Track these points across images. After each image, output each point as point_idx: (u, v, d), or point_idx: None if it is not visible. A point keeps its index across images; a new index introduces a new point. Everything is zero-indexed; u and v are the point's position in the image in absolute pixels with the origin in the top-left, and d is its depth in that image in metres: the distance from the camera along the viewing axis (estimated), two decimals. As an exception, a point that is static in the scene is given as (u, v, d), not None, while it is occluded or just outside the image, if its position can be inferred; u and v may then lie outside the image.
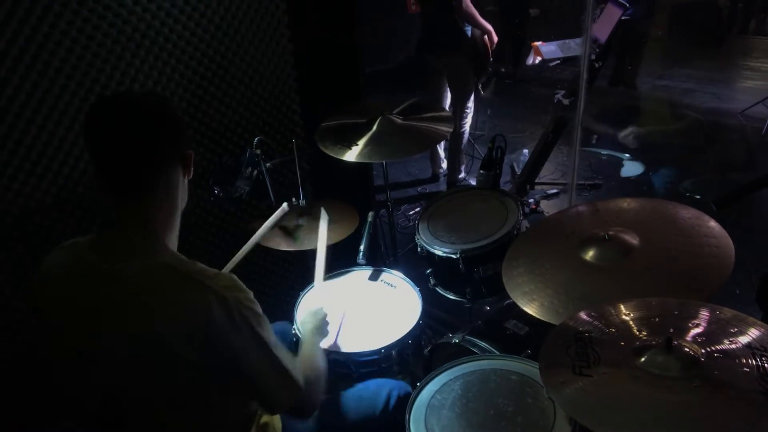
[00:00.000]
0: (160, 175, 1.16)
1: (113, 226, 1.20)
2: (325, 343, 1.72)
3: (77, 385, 1.25)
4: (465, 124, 4.09)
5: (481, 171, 2.20)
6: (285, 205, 1.96)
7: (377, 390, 1.65)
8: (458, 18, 3.67)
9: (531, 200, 3.86)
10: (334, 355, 1.73)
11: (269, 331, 1.17)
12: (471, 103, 4.04)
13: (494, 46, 3.78)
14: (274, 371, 1.18)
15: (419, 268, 2.22)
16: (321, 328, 1.63)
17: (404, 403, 1.50)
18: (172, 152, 1.18)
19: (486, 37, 3.74)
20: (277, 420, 1.47)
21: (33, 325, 1.93)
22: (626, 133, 4.67)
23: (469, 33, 3.77)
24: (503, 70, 6.15)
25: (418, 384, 1.55)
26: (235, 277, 1.16)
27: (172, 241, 1.22)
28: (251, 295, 1.16)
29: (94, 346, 1.15)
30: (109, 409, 1.19)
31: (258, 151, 2.05)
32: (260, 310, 1.16)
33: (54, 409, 1.84)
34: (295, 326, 1.85)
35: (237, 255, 1.80)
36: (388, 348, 1.76)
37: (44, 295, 1.22)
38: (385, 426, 1.58)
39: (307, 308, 1.73)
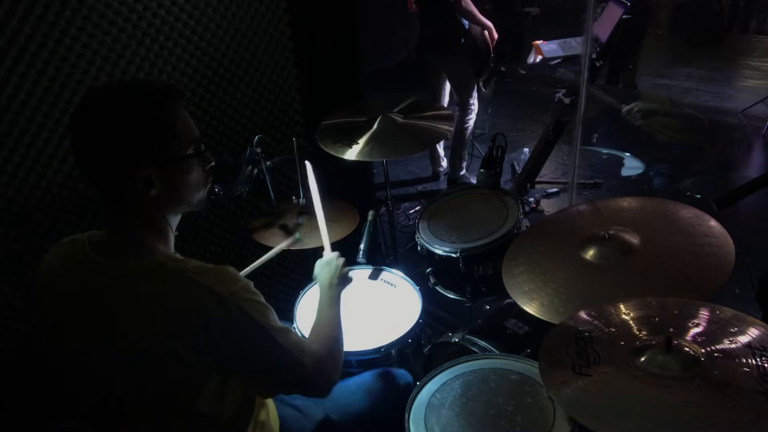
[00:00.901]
0: (139, 176, 1.09)
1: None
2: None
3: (77, 384, 1.25)
4: (469, 121, 4.08)
5: (482, 170, 2.20)
6: (297, 235, 1.92)
7: (377, 380, 1.64)
8: (458, 15, 3.66)
9: (531, 199, 3.86)
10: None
11: (271, 318, 1.15)
12: (474, 101, 4.03)
13: (495, 42, 3.77)
14: (278, 359, 1.17)
15: (419, 267, 2.22)
16: (339, 278, 1.56)
17: (405, 392, 1.49)
18: (156, 151, 1.10)
19: (486, 33, 3.73)
20: (274, 418, 1.47)
21: (33, 324, 1.93)
22: (630, 107, 4.64)
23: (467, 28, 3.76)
24: (503, 69, 6.15)
25: (417, 383, 1.55)
26: (230, 268, 1.14)
27: (166, 241, 1.20)
28: (250, 284, 1.14)
29: (94, 344, 1.15)
30: (109, 407, 1.19)
31: (258, 150, 2.05)
32: (260, 298, 1.15)
33: (54, 408, 1.84)
34: (294, 325, 1.85)
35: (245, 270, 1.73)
36: (388, 347, 1.76)
37: (45, 293, 1.22)
38: (385, 416, 1.57)
39: (320, 263, 1.63)
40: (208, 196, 1.25)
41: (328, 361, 1.30)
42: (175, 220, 1.24)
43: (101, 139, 1.08)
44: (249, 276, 1.64)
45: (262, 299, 1.16)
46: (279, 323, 1.18)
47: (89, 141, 1.09)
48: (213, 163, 1.24)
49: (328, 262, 1.61)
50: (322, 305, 1.50)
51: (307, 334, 1.55)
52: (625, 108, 4.64)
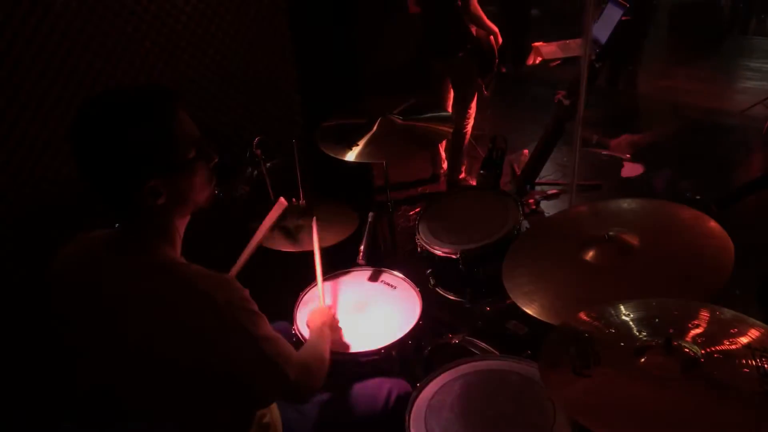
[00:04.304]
0: (146, 188, 1.09)
1: (113, 225, 1.20)
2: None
3: (79, 381, 1.25)
4: (467, 124, 4.08)
5: (482, 171, 2.21)
6: (281, 199, 1.93)
7: (376, 388, 1.65)
8: (465, 20, 3.66)
9: (531, 200, 3.85)
10: (334, 356, 1.72)
11: (263, 327, 1.16)
12: (474, 104, 4.04)
13: (499, 46, 3.78)
14: (264, 369, 1.16)
15: (419, 269, 2.22)
16: (330, 324, 1.65)
17: (403, 401, 1.50)
18: (159, 161, 1.09)
19: (492, 38, 3.74)
20: (277, 421, 1.47)
21: (33, 325, 1.93)
22: (619, 141, 4.68)
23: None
24: (504, 70, 6.15)
25: (418, 384, 1.55)
26: (229, 277, 1.15)
27: (172, 243, 1.21)
28: (246, 293, 1.15)
29: (96, 342, 1.16)
30: (108, 406, 1.20)
31: (258, 152, 2.05)
32: (254, 307, 1.15)
33: (54, 408, 1.84)
34: (295, 327, 1.85)
35: (242, 257, 1.77)
36: (389, 348, 1.75)
37: (55, 289, 1.22)
38: (384, 425, 1.58)
39: (312, 310, 1.75)
40: (214, 190, 1.26)
41: (312, 372, 1.33)
42: (183, 223, 1.24)
43: (103, 157, 1.07)
44: (244, 269, 1.67)
45: (257, 308, 1.16)
46: (271, 332, 1.18)
47: (91, 158, 1.08)
48: (216, 160, 1.23)
49: (322, 312, 1.70)
50: (312, 338, 1.55)
51: (306, 335, 1.64)
52: (614, 142, 4.69)
